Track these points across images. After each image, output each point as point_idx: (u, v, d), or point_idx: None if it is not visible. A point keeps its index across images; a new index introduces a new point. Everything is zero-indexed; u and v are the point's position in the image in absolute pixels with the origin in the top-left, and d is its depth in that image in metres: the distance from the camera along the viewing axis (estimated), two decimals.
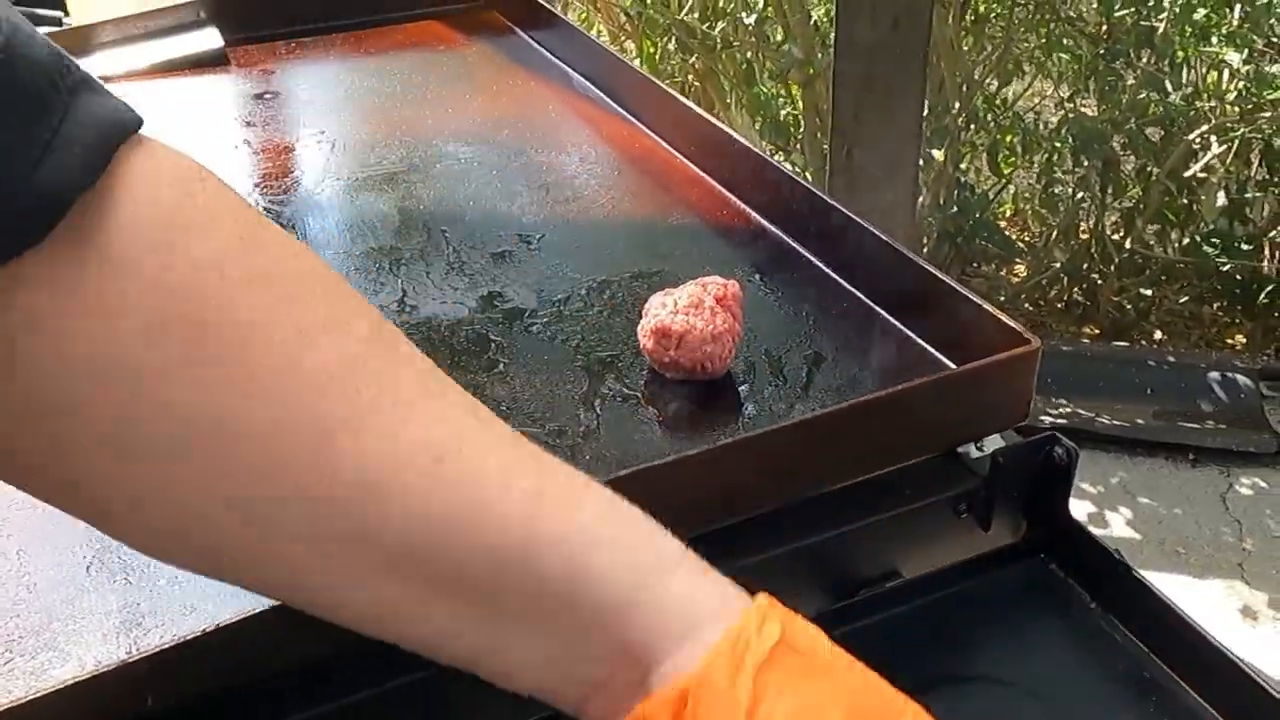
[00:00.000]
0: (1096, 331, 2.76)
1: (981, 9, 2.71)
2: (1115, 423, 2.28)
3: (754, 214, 0.92)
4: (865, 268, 0.79)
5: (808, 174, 2.65)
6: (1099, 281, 2.77)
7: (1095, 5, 2.54)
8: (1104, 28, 2.51)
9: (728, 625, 0.38)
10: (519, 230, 0.92)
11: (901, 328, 0.76)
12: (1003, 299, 2.73)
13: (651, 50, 2.86)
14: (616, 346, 0.76)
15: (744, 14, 2.76)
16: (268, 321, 0.37)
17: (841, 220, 0.80)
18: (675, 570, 0.39)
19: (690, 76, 2.93)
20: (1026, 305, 2.84)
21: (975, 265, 2.90)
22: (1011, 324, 0.66)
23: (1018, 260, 2.90)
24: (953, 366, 0.73)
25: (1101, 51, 2.50)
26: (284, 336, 0.37)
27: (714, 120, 0.98)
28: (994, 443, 0.68)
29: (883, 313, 0.78)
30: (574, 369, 0.74)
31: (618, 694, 0.39)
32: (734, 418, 0.70)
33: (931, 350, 0.74)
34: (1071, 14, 2.60)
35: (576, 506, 0.39)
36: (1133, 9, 2.45)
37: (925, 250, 2.65)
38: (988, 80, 2.74)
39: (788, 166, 0.90)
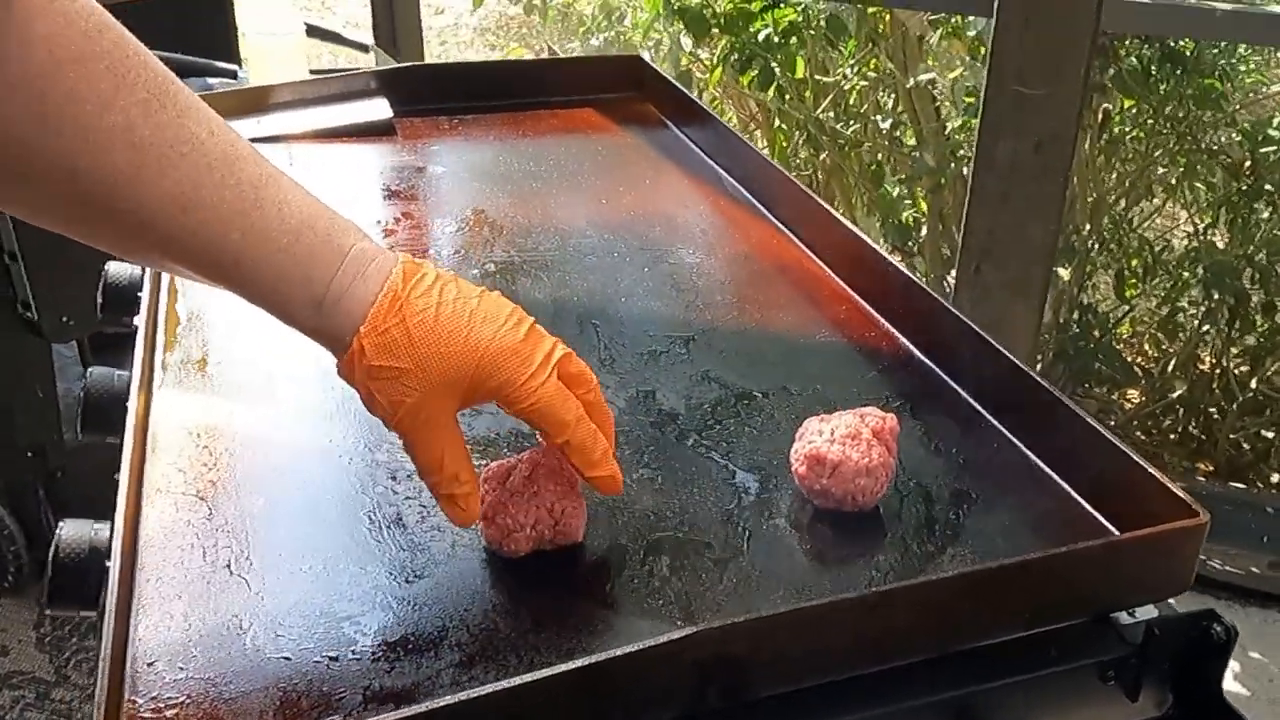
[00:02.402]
0: (1211, 468, 2.67)
1: (1116, 131, 2.69)
2: (1227, 568, 2.19)
3: (902, 338, 0.92)
4: (1023, 413, 0.78)
5: (927, 278, 2.64)
6: (1217, 417, 2.69)
7: (1239, 139, 2.50)
8: (1246, 164, 2.46)
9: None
10: (668, 330, 0.93)
11: (1055, 478, 0.75)
12: (1113, 424, 2.66)
13: (784, 144, 2.89)
14: (765, 466, 0.76)
15: (878, 117, 2.78)
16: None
17: (1003, 363, 0.79)
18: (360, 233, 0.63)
19: (817, 170, 2.95)
20: (1139, 433, 2.76)
21: (1087, 386, 2.84)
22: (1180, 494, 0.65)
23: (1132, 386, 2.83)
24: (1108, 525, 0.71)
25: (1244, 188, 2.45)
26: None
27: (867, 239, 0.98)
28: (1146, 610, 0.66)
29: (1037, 460, 0.77)
30: (721, 484, 0.75)
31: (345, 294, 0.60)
32: (880, 554, 0.70)
33: (1086, 506, 0.73)
34: (1213, 146, 2.56)
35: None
36: (1278, 146, 2.41)
37: (1040, 368, 2.60)
38: (1116, 202, 2.71)
39: (942, 297, 0.90)
